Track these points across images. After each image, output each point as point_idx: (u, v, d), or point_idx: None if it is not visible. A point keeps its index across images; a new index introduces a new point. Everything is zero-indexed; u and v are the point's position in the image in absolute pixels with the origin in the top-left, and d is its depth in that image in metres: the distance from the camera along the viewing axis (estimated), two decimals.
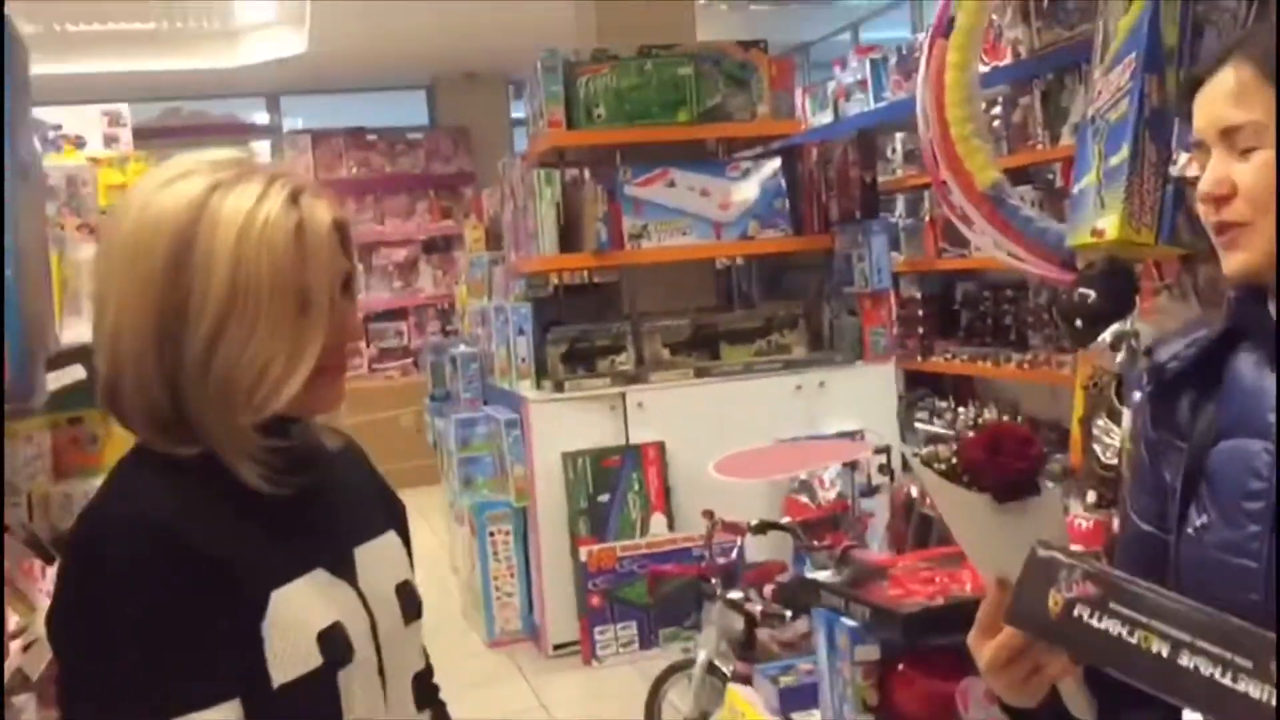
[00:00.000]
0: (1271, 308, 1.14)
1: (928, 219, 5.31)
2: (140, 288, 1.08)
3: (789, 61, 5.35)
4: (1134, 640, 0.99)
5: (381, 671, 1.20)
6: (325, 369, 1.14)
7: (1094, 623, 1.02)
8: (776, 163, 5.11)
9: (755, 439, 4.26)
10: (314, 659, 1.11)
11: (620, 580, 4.59)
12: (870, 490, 3.77)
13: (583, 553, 4.58)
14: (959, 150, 2.60)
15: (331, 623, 1.14)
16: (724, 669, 3.40)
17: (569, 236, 4.87)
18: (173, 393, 1.09)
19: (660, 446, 4.70)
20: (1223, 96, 1.11)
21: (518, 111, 9.19)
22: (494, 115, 9.79)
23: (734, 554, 3.70)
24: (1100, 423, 2.48)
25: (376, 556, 1.26)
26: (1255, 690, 0.94)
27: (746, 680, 2.63)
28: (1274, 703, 0.93)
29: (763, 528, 3.63)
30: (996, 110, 4.84)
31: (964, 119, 2.60)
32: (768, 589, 3.43)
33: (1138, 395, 1.63)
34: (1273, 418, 1.10)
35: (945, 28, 2.60)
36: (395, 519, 1.34)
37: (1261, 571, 1.08)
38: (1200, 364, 1.18)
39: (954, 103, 2.57)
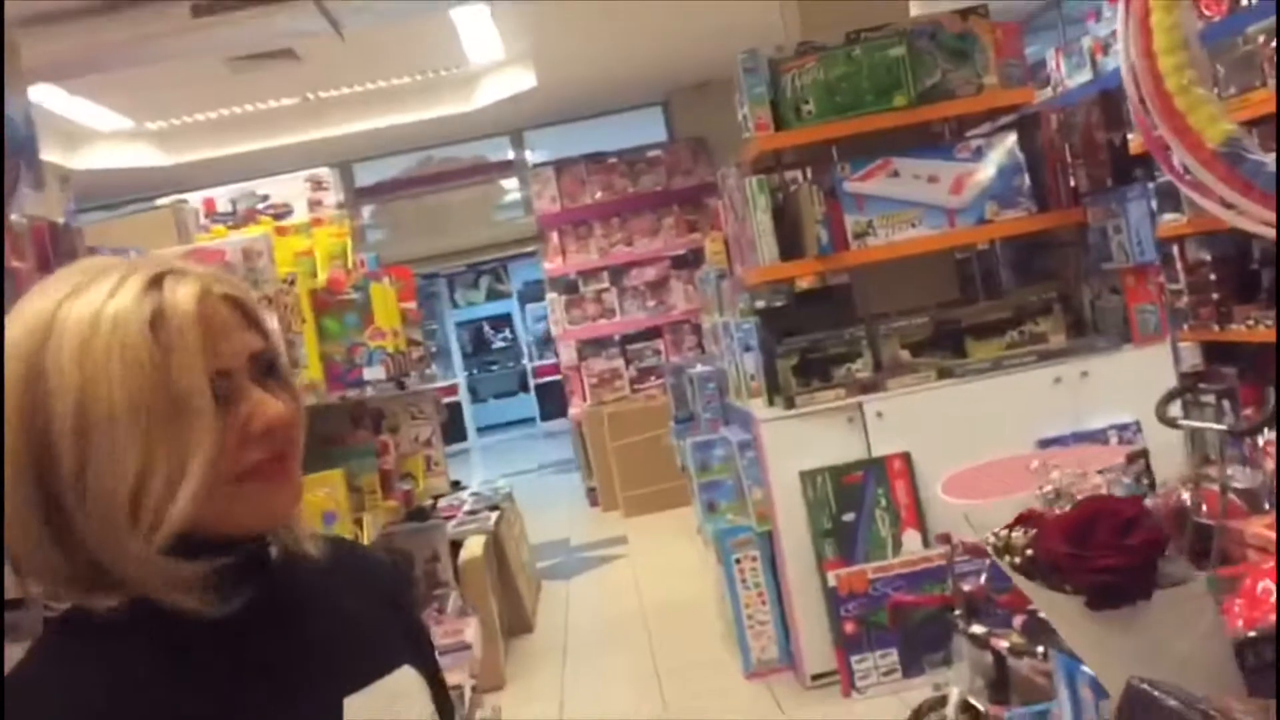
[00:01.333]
0: None
1: None
2: (8, 432, 0.92)
3: (1015, 25, 4.86)
4: None
5: None
6: (249, 474, 0.95)
7: None
8: (1012, 137, 4.65)
9: (1011, 442, 3.85)
10: None
11: (875, 604, 4.28)
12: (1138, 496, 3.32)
13: (831, 577, 4.30)
14: (1178, 104, 2.18)
15: None
16: (980, 708, 3.07)
17: (790, 242, 4.61)
18: (58, 539, 0.93)
19: (906, 458, 4.36)
20: None
21: None
22: (731, 121, 9.62)
23: (982, 578, 3.34)
24: None
25: (376, 706, 1.01)
26: None
27: None
28: None
29: None
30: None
31: (1179, 67, 2.17)
32: (1018, 619, 3.06)
33: None
34: None
35: None
36: (414, 649, 1.11)
37: None
38: None
39: (1165, 49, 2.15)
